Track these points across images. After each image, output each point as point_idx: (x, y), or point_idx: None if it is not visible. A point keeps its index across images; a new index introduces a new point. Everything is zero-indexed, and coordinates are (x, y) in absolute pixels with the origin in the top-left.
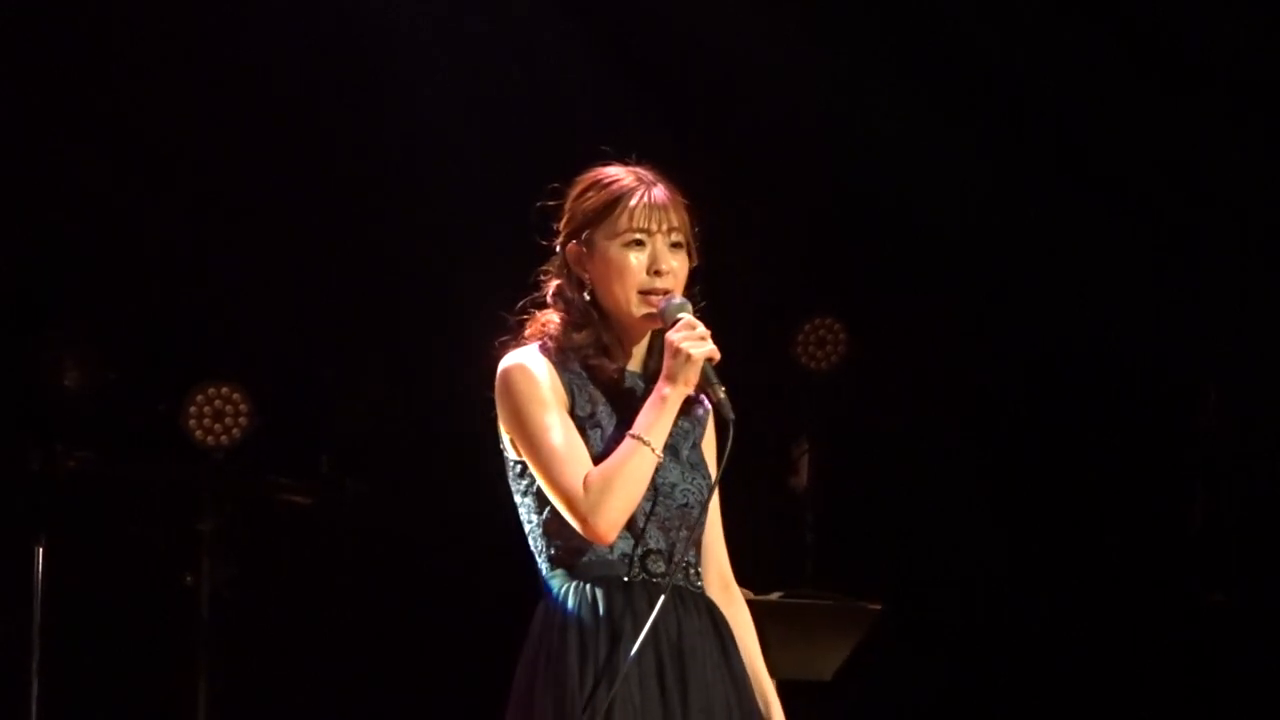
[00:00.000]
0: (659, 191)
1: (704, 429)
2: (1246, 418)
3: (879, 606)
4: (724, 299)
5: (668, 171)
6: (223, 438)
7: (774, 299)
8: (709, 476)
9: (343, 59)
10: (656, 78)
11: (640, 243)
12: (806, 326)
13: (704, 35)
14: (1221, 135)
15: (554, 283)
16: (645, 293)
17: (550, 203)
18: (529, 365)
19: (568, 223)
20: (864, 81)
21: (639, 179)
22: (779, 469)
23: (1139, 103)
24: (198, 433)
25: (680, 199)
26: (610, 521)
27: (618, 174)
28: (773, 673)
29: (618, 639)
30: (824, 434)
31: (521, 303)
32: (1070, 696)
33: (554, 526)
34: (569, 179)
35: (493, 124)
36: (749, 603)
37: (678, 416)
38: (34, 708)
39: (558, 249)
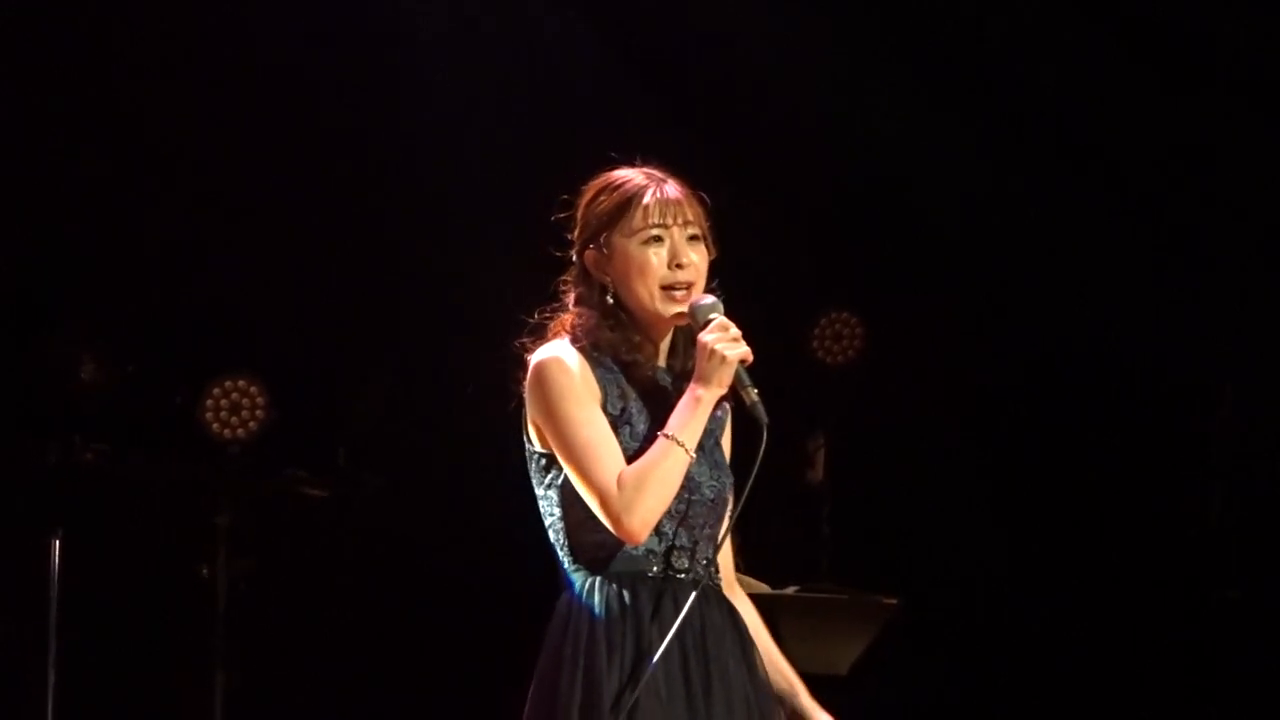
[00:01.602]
0: (671, 187)
1: (724, 426)
2: (1257, 415)
3: (895, 601)
4: (740, 293)
5: (685, 168)
6: (239, 431)
7: (790, 294)
8: (730, 473)
9: (348, 56)
10: (666, 75)
11: (658, 238)
12: (823, 321)
13: (711, 33)
14: (1226, 133)
15: (574, 291)
16: (668, 287)
17: (562, 215)
18: (565, 359)
19: (582, 229)
20: (887, 80)
21: (649, 177)
22: (795, 463)
23: (1143, 101)
24: (214, 426)
25: (693, 192)
26: (643, 521)
27: (627, 175)
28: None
29: (643, 633)
30: (840, 428)
31: (540, 311)
32: (1086, 692)
33: (579, 521)
34: (578, 177)
35: (500, 122)
36: (765, 597)
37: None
38: (50, 700)
39: (574, 257)
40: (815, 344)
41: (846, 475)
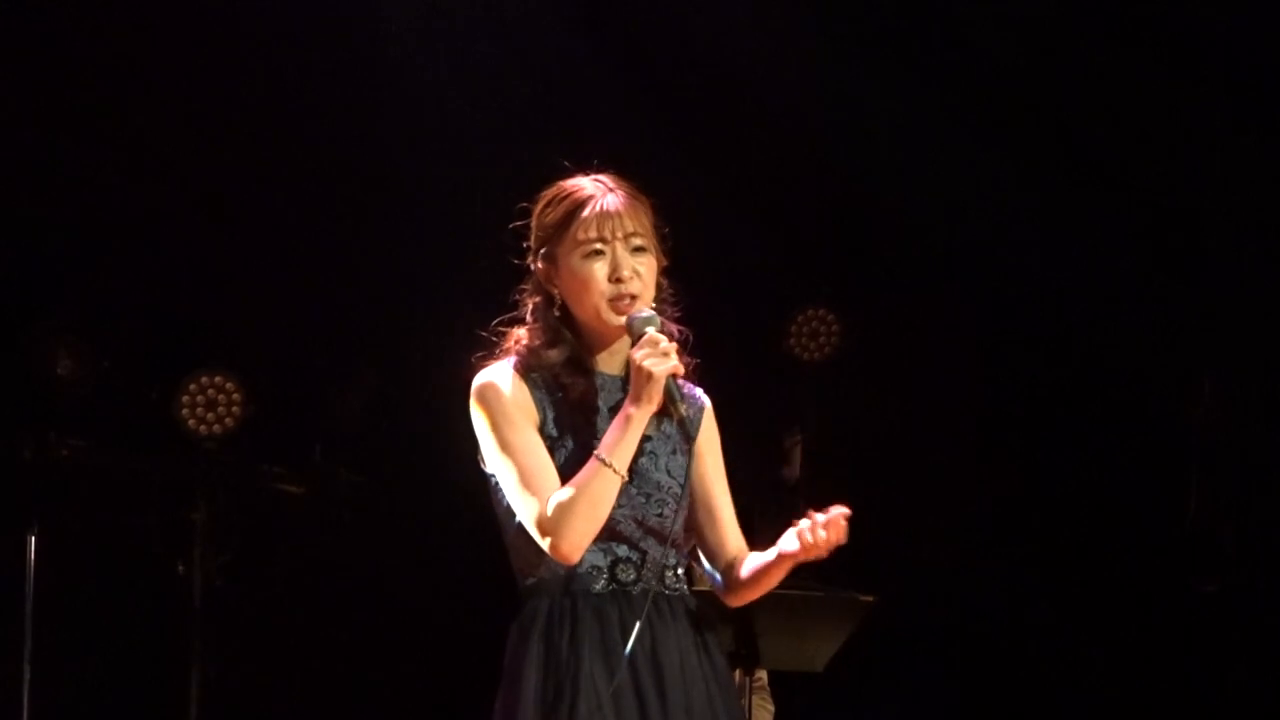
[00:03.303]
0: (612, 199)
1: (696, 427)
2: (1240, 407)
3: (872, 598)
4: (718, 290)
5: (665, 166)
6: (215, 427)
7: (768, 290)
8: (686, 483)
9: (343, 53)
10: (656, 71)
11: (599, 252)
12: (799, 318)
13: (705, 31)
14: (1219, 130)
15: (531, 301)
16: (613, 300)
17: (519, 224)
18: (498, 383)
19: (533, 241)
20: (862, 76)
21: (596, 185)
22: (771, 459)
23: (1135, 96)
24: (190, 422)
25: (640, 201)
26: (573, 543)
27: (575, 185)
28: (765, 663)
29: (584, 650)
30: (816, 425)
31: (497, 321)
32: (1063, 685)
33: (524, 539)
34: (568, 175)
35: (491, 120)
36: None
37: (658, 422)
38: (26, 696)
39: (529, 267)
40: (792, 340)
41: (822, 472)
